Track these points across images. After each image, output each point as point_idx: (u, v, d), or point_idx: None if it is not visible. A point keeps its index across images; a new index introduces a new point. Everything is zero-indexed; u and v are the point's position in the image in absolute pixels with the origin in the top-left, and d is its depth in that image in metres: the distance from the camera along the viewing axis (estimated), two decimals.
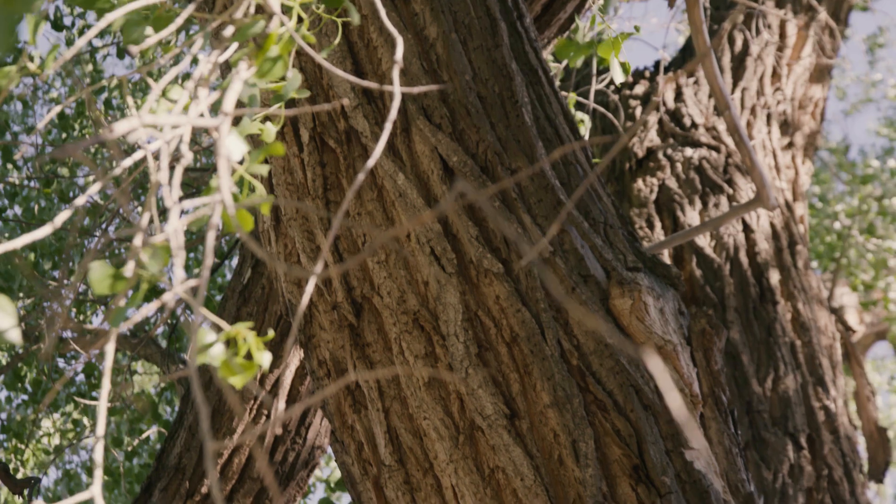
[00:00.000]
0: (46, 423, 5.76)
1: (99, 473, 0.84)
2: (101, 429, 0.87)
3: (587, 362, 2.18)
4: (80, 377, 5.20)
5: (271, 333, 1.09)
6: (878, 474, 3.74)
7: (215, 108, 1.07)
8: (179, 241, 0.95)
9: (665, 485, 2.10)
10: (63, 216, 0.88)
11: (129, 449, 4.87)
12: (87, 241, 4.64)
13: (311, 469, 3.25)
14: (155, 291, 4.18)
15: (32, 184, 5.28)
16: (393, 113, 1.01)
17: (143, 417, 4.97)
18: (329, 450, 4.06)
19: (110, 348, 0.97)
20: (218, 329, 1.08)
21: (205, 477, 3.03)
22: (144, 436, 4.85)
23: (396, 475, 2.19)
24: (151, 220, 0.95)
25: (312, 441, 3.21)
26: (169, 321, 4.44)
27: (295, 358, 3.20)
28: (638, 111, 4.23)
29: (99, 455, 0.86)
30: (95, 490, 0.93)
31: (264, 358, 1.09)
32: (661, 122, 4.10)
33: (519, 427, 2.13)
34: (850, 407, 4.26)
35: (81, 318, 5.03)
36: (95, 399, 4.98)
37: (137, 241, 0.90)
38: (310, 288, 0.98)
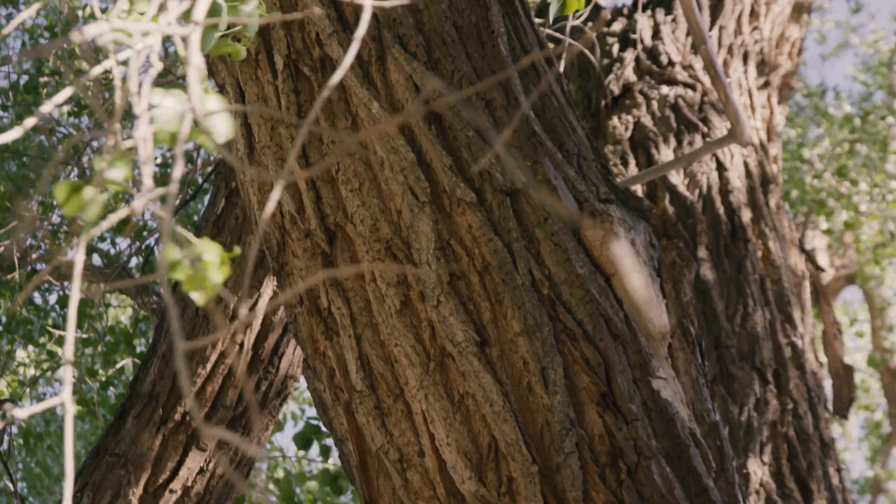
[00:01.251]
0: (21, 355, 5.77)
1: (69, 370, 0.85)
2: (71, 327, 0.88)
3: (558, 291, 2.21)
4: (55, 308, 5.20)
5: (237, 250, 1.10)
6: (842, 410, 3.82)
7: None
8: (148, 150, 0.95)
9: (632, 412, 2.14)
10: (32, 120, 0.88)
11: (104, 379, 4.90)
12: (61, 173, 4.61)
13: (283, 398, 3.28)
14: (127, 223, 4.17)
15: (6, 117, 5.22)
16: (362, 27, 1.01)
17: (118, 349, 4.98)
18: (302, 380, 4.09)
19: (80, 257, 0.98)
20: (186, 244, 1.08)
21: (178, 404, 3.05)
22: (119, 366, 4.87)
23: (367, 401, 2.22)
24: (122, 128, 0.95)
25: (285, 371, 3.24)
26: (142, 253, 4.44)
27: (268, 288, 3.21)
28: (615, 48, 4.22)
29: (69, 351, 0.87)
30: (66, 396, 0.95)
31: (224, 272, 1.10)
32: (637, 59, 4.10)
33: (489, 354, 2.15)
34: (817, 344, 4.32)
35: (55, 248, 5.01)
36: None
37: (106, 145, 0.90)
38: (276, 195, 0.99)
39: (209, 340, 1.00)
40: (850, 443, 13.37)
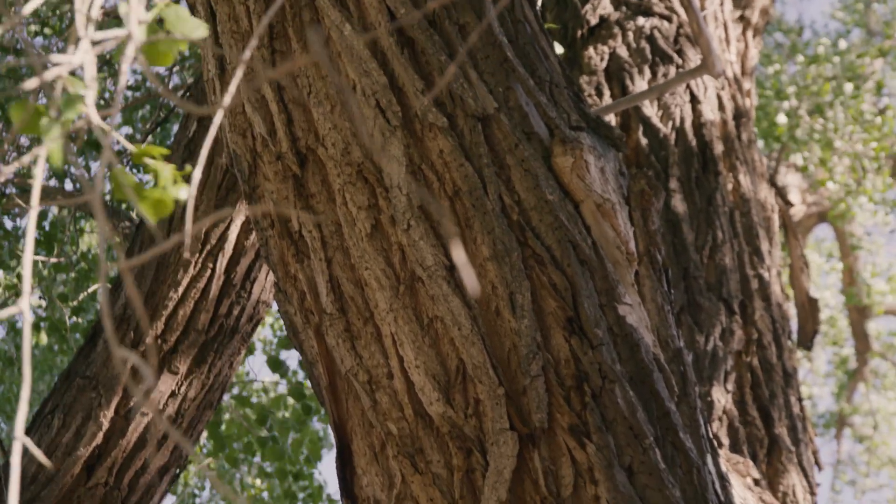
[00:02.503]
0: None
1: (27, 282, 0.86)
2: (30, 234, 0.89)
3: (527, 217, 2.23)
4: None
5: (188, 168, 1.11)
6: (806, 342, 3.88)
7: None
8: (91, 73, 0.95)
9: (597, 337, 2.18)
10: None
11: (75, 304, 4.90)
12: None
13: (255, 323, 3.30)
14: (96, 145, 4.14)
15: None
16: None
17: (90, 275, 4.97)
18: (274, 306, 4.10)
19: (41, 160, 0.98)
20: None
21: (150, 327, 3.06)
22: (90, 291, 4.87)
23: (337, 323, 2.24)
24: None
25: (257, 296, 3.25)
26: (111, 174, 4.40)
27: (241, 213, 3.21)
28: None
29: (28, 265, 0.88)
30: (24, 304, 0.96)
31: (181, 192, 1.10)
32: None
33: (458, 279, 2.18)
34: (784, 278, 4.37)
35: (24, 174, 4.97)
36: (41, 256, 4.97)
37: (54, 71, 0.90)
38: (219, 116, 1.00)
39: (151, 255, 1.00)
40: (818, 378, 13.60)
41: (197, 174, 1.11)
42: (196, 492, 6.75)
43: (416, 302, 2.19)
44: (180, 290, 3.09)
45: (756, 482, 2.81)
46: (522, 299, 2.16)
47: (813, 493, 3.07)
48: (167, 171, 1.07)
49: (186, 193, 1.12)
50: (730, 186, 3.77)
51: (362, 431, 2.24)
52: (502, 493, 2.04)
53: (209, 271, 3.13)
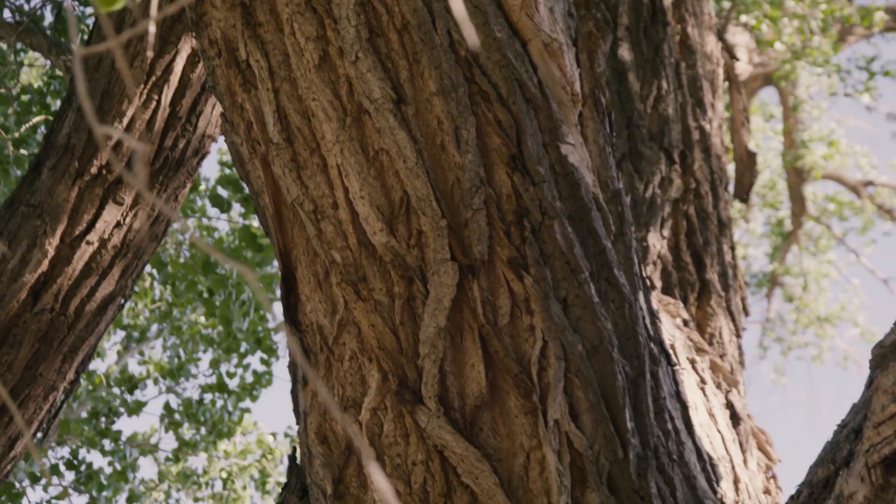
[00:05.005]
0: None
1: None
2: None
3: (474, 54, 2.24)
4: None
5: None
6: (742, 194, 3.98)
7: None
8: None
9: (539, 174, 2.23)
10: None
11: (17, 136, 4.82)
12: None
13: (201, 157, 3.29)
14: None
15: None
16: None
17: (31, 109, 4.89)
18: (221, 139, 4.09)
19: None
20: None
21: (95, 157, 3.05)
22: (32, 123, 4.79)
23: (284, 153, 2.26)
24: None
25: (203, 129, 3.24)
26: (54, 7, 4.30)
27: (187, 45, 3.17)
28: None
29: None
30: None
31: None
32: None
33: (405, 112, 2.20)
34: (725, 130, 4.44)
35: None
36: None
37: None
38: None
39: (104, 47, 1.02)
40: (753, 238, 13.93)
41: None
42: (145, 325, 6.83)
43: (363, 134, 2.21)
44: (125, 121, 3.06)
45: (685, 323, 2.93)
46: (467, 135, 2.19)
47: (738, 336, 3.21)
48: None
49: None
50: (677, 38, 3.79)
51: (307, 260, 2.29)
52: (441, 320, 2.12)
53: (154, 103, 3.10)
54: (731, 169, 4.39)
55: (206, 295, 5.00)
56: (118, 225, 3.12)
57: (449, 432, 2.08)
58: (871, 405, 1.41)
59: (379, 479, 1.03)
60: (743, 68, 8.02)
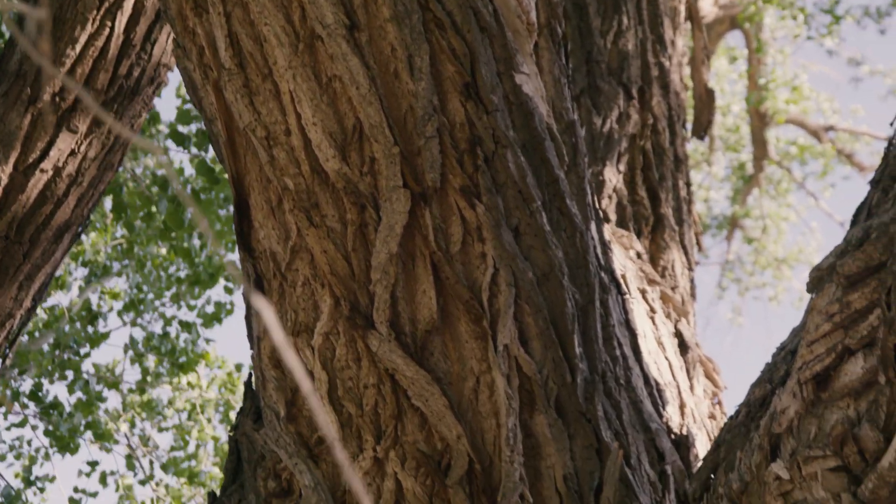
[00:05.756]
0: None
1: None
2: None
3: None
4: None
5: None
6: (699, 131, 4.00)
7: None
8: None
9: (493, 103, 2.23)
10: None
11: None
12: None
13: (156, 87, 3.26)
14: None
15: None
16: None
17: None
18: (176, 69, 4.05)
19: None
20: None
21: (47, 84, 3.01)
22: None
23: (236, 79, 2.25)
24: None
25: (158, 58, 3.20)
26: None
27: None
28: None
29: None
30: None
31: None
32: None
33: (358, 39, 2.19)
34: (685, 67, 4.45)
35: None
36: None
37: None
38: None
39: None
40: (715, 182, 14.03)
41: None
42: (107, 263, 6.80)
43: (315, 60, 2.20)
44: (78, 47, 3.02)
45: (638, 255, 2.96)
46: (421, 62, 2.19)
47: (691, 270, 3.25)
48: None
49: None
50: None
51: (260, 186, 2.29)
52: (393, 247, 2.13)
53: (108, 30, 3.06)
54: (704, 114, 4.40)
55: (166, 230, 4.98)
56: (73, 153, 3.10)
57: (400, 356, 2.11)
58: (806, 325, 1.44)
59: (317, 406, 1.05)
60: (708, 10, 8.01)
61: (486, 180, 2.19)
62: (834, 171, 12.98)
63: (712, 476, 1.81)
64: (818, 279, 1.44)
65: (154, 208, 4.94)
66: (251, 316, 2.42)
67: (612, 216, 3.19)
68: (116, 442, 7.37)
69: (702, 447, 2.48)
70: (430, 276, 2.15)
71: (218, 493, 2.92)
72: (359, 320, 2.14)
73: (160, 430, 7.58)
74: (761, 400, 1.65)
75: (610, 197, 3.20)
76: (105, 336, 6.58)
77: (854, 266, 1.33)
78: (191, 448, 7.66)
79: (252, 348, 2.41)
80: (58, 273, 6.99)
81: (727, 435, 1.78)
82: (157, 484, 7.35)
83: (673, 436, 2.40)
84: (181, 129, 4.96)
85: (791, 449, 1.43)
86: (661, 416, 2.36)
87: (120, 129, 0.81)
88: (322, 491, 2.19)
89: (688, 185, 3.48)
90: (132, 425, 7.53)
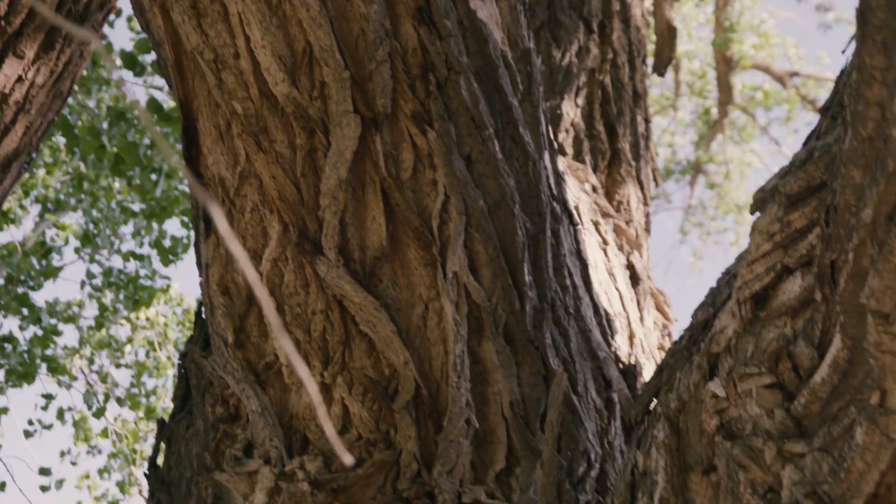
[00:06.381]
0: None
1: None
2: None
3: None
4: None
5: None
6: (660, 68, 3.99)
7: None
8: None
9: (446, 28, 2.20)
10: None
11: None
12: None
13: (106, 13, 3.19)
14: None
15: None
16: None
17: None
18: None
19: None
20: None
21: None
22: None
23: (183, 0, 2.20)
24: None
25: None
26: None
27: None
28: None
29: None
30: None
31: None
32: None
33: None
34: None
35: None
36: None
37: None
38: None
39: None
40: (680, 127, 14.05)
41: None
42: (62, 197, 6.72)
43: None
44: None
45: (594, 189, 2.96)
46: None
47: (646, 205, 3.26)
48: None
49: None
50: None
51: (208, 111, 2.25)
52: (342, 173, 2.11)
53: None
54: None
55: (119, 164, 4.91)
56: (19, 80, 3.03)
57: (348, 282, 2.09)
58: (748, 246, 1.45)
59: (279, 330, 1.04)
60: None
61: (439, 107, 2.17)
62: (798, 118, 13.06)
63: (655, 400, 1.82)
64: (761, 200, 1.44)
65: (106, 141, 4.86)
66: (200, 242, 2.40)
67: (569, 150, 3.17)
68: (75, 378, 7.34)
69: (649, 377, 2.50)
70: (380, 203, 2.13)
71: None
72: (307, 246, 2.13)
73: (118, 366, 7.54)
74: (704, 323, 1.66)
75: (567, 130, 3.19)
76: (59, 270, 6.51)
77: (795, 185, 1.33)
78: (150, 385, 7.65)
79: (200, 275, 2.39)
80: (11, 207, 6.89)
81: (671, 359, 1.79)
82: (115, 419, 7.34)
83: (621, 365, 2.41)
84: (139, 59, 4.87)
85: (728, 367, 1.44)
86: (609, 345, 2.37)
87: (85, 34, 0.77)
88: (269, 416, 2.18)
89: (646, 120, 3.47)
90: (91, 363, 7.49)
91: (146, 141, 5.06)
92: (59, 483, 7.84)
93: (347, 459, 1.41)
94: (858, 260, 1.10)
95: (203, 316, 2.51)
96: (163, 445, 2.58)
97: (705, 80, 13.57)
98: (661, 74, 3.90)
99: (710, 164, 13.33)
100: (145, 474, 2.54)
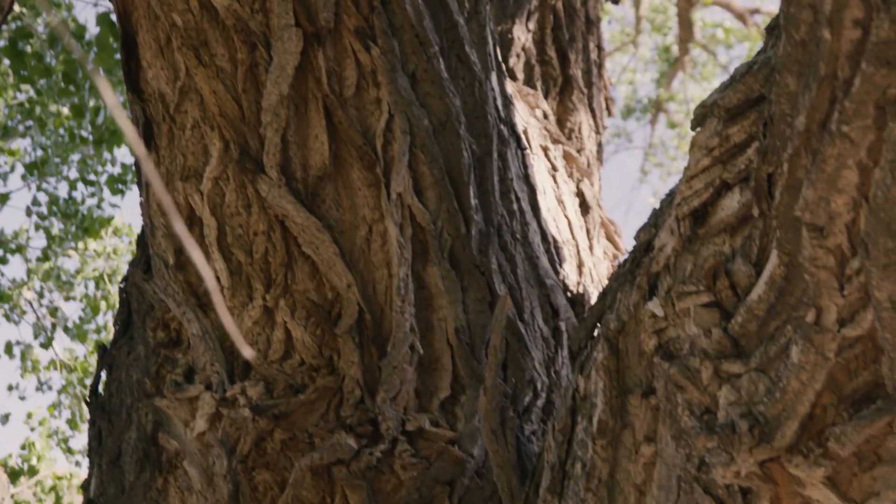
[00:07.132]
0: None
1: None
2: None
3: None
4: None
5: None
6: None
7: None
8: None
9: None
10: None
11: None
12: None
13: None
14: None
15: None
16: None
17: None
18: None
19: None
20: None
21: None
22: None
23: None
24: None
25: None
26: None
27: None
28: None
29: None
30: None
31: None
32: None
33: None
34: None
35: None
36: None
37: None
38: None
39: None
40: (641, 64, 13.99)
41: None
42: (9, 123, 6.56)
43: None
44: None
45: (545, 115, 2.92)
46: None
47: (598, 133, 3.22)
48: None
49: None
50: None
51: (147, 24, 2.18)
52: (284, 88, 2.05)
53: None
54: None
55: (64, 85, 4.77)
56: None
57: (290, 202, 2.05)
58: (688, 162, 1.42)
59: (199, 260, 0.99)
60: None
61: (382, 22, 2.11)
62: None
63: (599, 325, 1.80)
64: (702, 115, 1.41)
65: (52, 63, 4.72)
66: (140, 162, 2.34)
67: (520, 75, 3.13)
68: (24, 312, 7.24)
69: None
70: (323, 121, 2.08)
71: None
72: (248, 164, 2.08)
73: (67, 298, 7.45)
74: (646, 244, 1.64)
75: (518, 55, 3.14)
76: (6, 197, 6.38)
77: (734, 98, 1.30)
78: (100, 320, 7.56)
79: (141, 194, 2.34)
80: None
81: (614, 283, 1.77)
82: (64, 351, 7.27)
83: (569, 293, 2.39)
84: None
85: (667, 286, 1.42)
86: (557, 273, 2.35)
87: None
88: (210, 339, 2.15)
89: (599, 47, 3.43)
90: (40, 296, 7.40)
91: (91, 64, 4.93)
92: (5, 418, 7.77)
93: (248, 353, 1.37)
94: (793, 171, 1.08)
95: (145, 238, 2.46)
96: (104, 372, 2.54)
97: (666, 15, 13.50)
98: (616, 2, 3.84)
99: (671, 103, 13.32)
100: (85, 401, 2.50)
